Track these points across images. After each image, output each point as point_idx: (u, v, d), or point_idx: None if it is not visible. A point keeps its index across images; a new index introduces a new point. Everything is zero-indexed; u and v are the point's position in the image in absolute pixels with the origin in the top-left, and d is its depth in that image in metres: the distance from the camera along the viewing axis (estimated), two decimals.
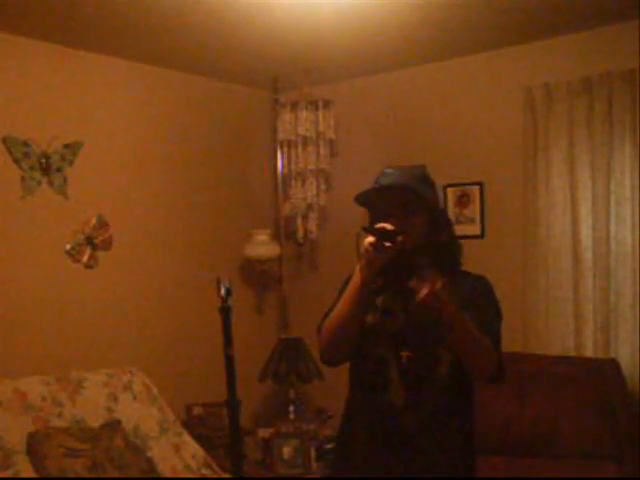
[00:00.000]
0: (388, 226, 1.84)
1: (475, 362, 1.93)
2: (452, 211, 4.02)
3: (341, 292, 2.05)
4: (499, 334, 1.99)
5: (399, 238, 1.83)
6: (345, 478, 2.04)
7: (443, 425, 1.98)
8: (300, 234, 4.48)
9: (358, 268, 1.91)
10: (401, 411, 1.96)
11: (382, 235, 1.84)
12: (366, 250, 1.85)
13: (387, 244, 1.83)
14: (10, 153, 3.41)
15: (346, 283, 2.05)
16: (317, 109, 4.38)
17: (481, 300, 2.01)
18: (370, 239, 1.84)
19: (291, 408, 4.17)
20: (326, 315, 2.06)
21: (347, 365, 2.12)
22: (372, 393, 2.02)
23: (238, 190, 4.50)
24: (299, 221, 4.48)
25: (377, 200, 2.00)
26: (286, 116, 4.43)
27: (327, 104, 4.37)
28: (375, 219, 1.95)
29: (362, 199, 2.02)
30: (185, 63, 4.05)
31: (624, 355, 3.44)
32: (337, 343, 2.01)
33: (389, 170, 2.05)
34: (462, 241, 2.12)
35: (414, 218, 1.97)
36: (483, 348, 1.89)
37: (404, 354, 1.96)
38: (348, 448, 2.09)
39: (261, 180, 4.63)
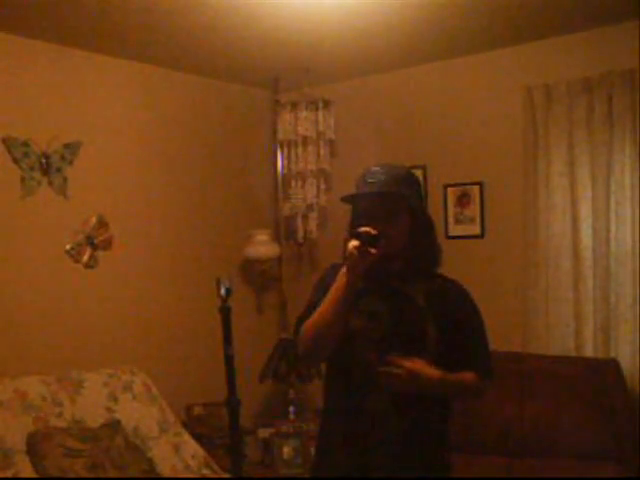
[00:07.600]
0: (372, 231, 1.90)
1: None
2: (452, 211, 4.03)
3: (316, 292, 2.08)
4: (487, 344, 2.10)
5: (382, 242, 1.90)
6: (347, 478, 2.04)
7: (421, 429, 1.99)
8: (300, 234, 4.48)
9: (343, 270, 1.94)
10: (382, 416, 1.97)
11: (366, 240, 1.89)
12: (350, 254, 1.90)
13: (372, 250, 1.89)
14: (10, 153, 3.41)
15: (321, 282, 2.09)
16: (317, 109, 4.38)
17: (466, 313, 2.07)
18: (354, 243, 1.89)
19: (291, 408, 4.17)
20: (303, 315, 2.07)
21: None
22: (353, 397, 2.01)
23: (238, 190, 4.50)
24: (299, 221, 4.48)
25: (362, 202, 2.03)
26: (286, 116, 4.44)
27: (327, 104, 4.37)
28: (358, 219, 1.99)
29: (347, 199, 2.07)
30: (185, 63, 4.04)
31: (624, 355, 3.44)
32: (320, 344, 2.01)
33: (375, 168, 2.05)
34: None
35: (397, 221, 2.00)
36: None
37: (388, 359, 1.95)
38: (327, 450, 2.11)
39: (261, 180, 4.63)
